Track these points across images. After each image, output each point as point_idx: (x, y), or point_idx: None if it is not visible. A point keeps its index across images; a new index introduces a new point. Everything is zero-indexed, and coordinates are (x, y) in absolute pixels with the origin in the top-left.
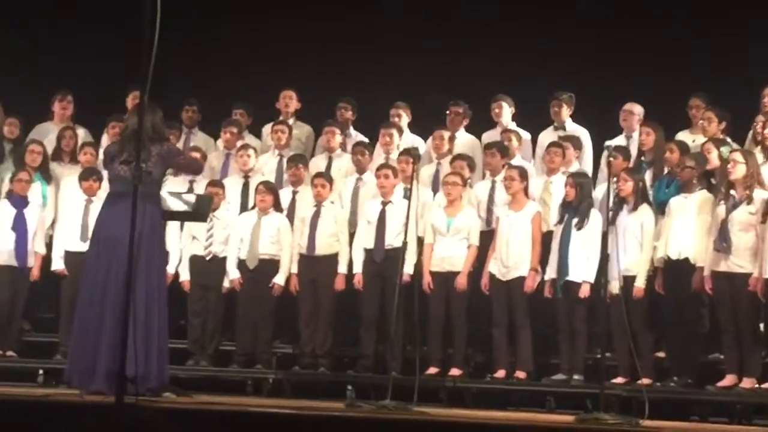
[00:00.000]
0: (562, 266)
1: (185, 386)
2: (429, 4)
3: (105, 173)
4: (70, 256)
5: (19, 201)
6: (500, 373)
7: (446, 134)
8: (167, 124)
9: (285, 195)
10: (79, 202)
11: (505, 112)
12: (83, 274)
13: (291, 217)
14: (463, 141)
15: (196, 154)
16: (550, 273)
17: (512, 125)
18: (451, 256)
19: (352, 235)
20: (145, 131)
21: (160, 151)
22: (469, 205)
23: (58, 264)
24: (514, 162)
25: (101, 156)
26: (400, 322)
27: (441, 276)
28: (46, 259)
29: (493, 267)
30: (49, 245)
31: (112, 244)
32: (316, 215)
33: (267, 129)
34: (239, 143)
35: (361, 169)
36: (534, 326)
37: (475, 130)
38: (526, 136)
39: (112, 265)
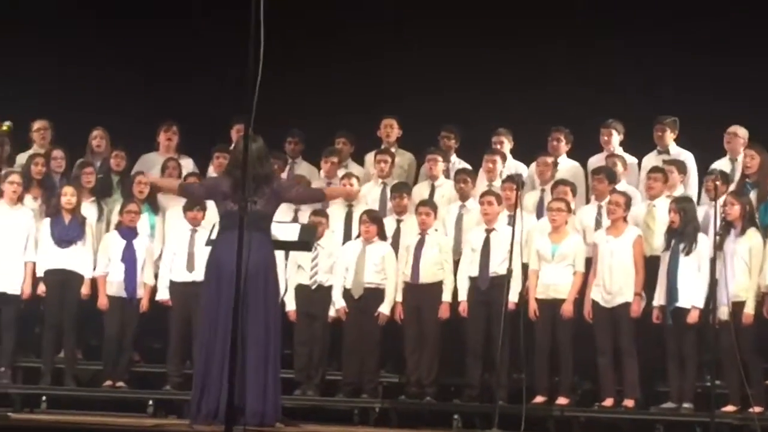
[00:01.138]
0: (672, 292)
1: (292, 416)
2: (530, 31)
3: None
4: (175, 287)
5: (128, 232)
6: (608, 402)
7: (550, 160)
8: (273, 154)
9: (389, 223)
10: (185, 232)
11: (615, 138)
12: (202, 312)
13: (395, 245)
14: (566, 167)
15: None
16: (659, 299)
17: (619, 150)
18: (556, 283)
19: (456, 263)
20: (252, 170)
21: (272, 188)
22: (573, 231)
23: (163, 294)
24: (619, 187)
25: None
26: (506, 350)
27: (547, 303)
28: (154, 290)
29: (596, 294)
30: (156, 275)
31: (228, 279)
32: (420, 243)
33: (370, 157)
34: (341, 172)
35: (464, 197)
36: (641, 353)
37: (575, 155)
38: (631, 160)
39: (232, 300)
